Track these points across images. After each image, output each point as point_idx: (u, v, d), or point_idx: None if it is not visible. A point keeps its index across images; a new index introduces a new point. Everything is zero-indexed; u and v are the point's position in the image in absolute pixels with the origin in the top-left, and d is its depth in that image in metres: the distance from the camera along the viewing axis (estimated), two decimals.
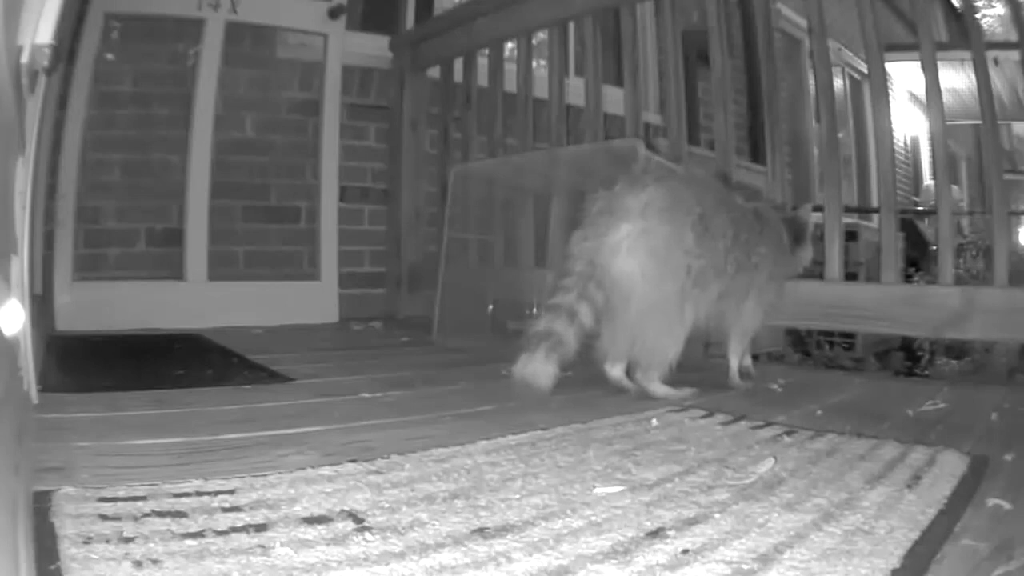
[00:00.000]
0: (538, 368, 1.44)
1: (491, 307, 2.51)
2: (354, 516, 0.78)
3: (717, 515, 0.82)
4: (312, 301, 2.98)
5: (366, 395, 1.51)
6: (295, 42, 3.04)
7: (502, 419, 1.32)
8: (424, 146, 3.22)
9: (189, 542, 0.69)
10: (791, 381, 1.82)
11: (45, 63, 1.01)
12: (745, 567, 0.67)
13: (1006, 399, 1.55)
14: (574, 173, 2.43)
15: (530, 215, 2.71)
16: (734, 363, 1.74)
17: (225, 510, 0.78)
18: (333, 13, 2.99)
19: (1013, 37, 4.37)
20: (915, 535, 0.76)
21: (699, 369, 2.03)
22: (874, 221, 4.92)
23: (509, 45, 3.00)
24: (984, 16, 10.07)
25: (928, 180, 8.58)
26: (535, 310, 2.56)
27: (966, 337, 2.02)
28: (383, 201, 3.27)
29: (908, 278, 2.91)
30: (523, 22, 2.73)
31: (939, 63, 1.86)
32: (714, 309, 1.60)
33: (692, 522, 0.79)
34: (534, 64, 2.79)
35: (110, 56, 2.66)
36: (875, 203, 4.99)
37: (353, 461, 0.99)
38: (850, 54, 6.67)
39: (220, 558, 0.66)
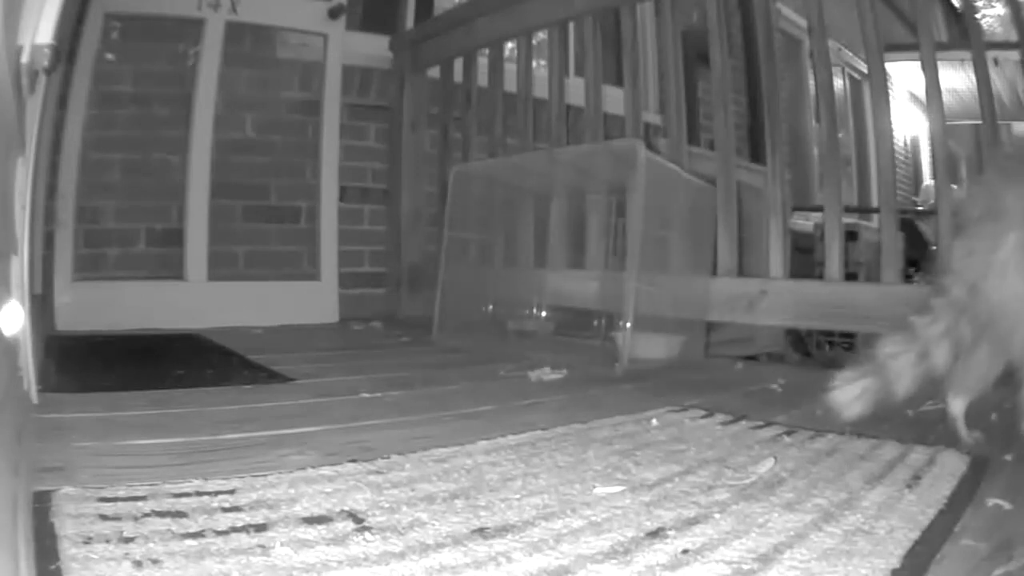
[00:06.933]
0: (845, 401, 1.20)
1: (491, 307, 2.52)
2: (354, 516, 0.78)
3: (717, 515, 0.82)
4: (312, 301, 2.98)
5: (366, 395, 1.51)
6: (295, 42, 3.04)
7: (502, 419, 1.32)
8: (424, 146, 3.22)
9: (189, 542, 0.69)
10: (791, 381, 1.82)
11: (45, 63, 1.01)
12: (745, 567, 0.67)
13: (1006, 399, 1.55)
14: (574, 173, 2.43)
15: (530, 215, 2.72)
16: None
17: (225, 510, 0.78)
18: (333, 13, 2.99)
19: (1013, 37, 4.37)
20: (915, 535, 0.75)
21: (700, 369, 2.04)
22: (874, 221, 4.92)
23: (509, 45, 3.00)
24: (984, 16, 10.07)
25: (928, 180, 8.58)
26: (535, 310, 2.58)
27: None
28: (383, 201, 3.27)
29: (908, 278, 2.91)
30: (523, 22, 2.73)
31: (939, 63, 1.86)
32: None
33: (692, 522, 0.79)
34: (534, 64, 2.79)
35: (110, 56, 2.66)
36: (875, 203, 4.99)
37: (353, 461, 0.99)
38: (850, 54, 6.66)
39: (220, 558, 0.66)
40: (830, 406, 1.20)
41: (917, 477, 0.97)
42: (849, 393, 1.19)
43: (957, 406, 1.23)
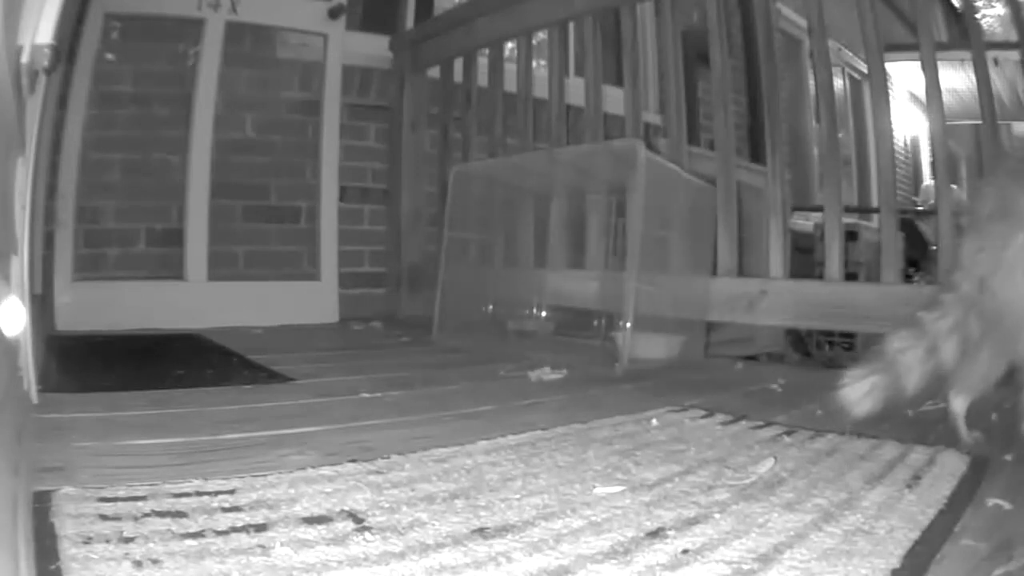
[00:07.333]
0: (854, 398, 1.19)
1: (491, 307, 2.52)
2: (354, 516, 0.78)
3: (717, 515, 0.82)
4: (312, 301, 2.98)
5: (366, 395, 1.51)
6: (295, 42, 3.04)
7: (502, 419, 1.32)
8: (424, 146, 3.22)
9: (189, 542, 0.69)
10: (791, 381, 1.82)
11: (45, 63, 1.01)
12: (745, 567, 0.67)
13: (1006, 399, 1.55)
14: (574, 173, 2.43)
15: (530, 215, 2.72)
16: None
17: (225, 510, 0.78)
18: (333, 13, 2.99)
19: (1013, 37, 4.37)
20: (915, 535, 0.76)
21: (700, 369, 2.04)
22: (874, 221, 4.92)
23: (509, 45, 3.00)
24: (984, 16, 10.06)
25: (928, 180, 8.58)
26: (535, 310, 2.58)
27: None
28: (383, 201, 3.27)
29: (908, 278, 2.91)
30: (523, 22, 2.73)
31: (939, 63, 1.86)
32: None
33: (692, 522, 0.79)
34: (534, 64, 2.79)
35: (110, 56, 2.66)
36: (875, 203, 4.99)
37: (353, 461, 0.99)
38: (850, 54, 6.66)
39: (220, 558, 0.66)
40: (840, 404, 1.19)
41: (917, 477, 0.97)
42: (859, 390, 1.19)
43: (959, 405, 1.23)
